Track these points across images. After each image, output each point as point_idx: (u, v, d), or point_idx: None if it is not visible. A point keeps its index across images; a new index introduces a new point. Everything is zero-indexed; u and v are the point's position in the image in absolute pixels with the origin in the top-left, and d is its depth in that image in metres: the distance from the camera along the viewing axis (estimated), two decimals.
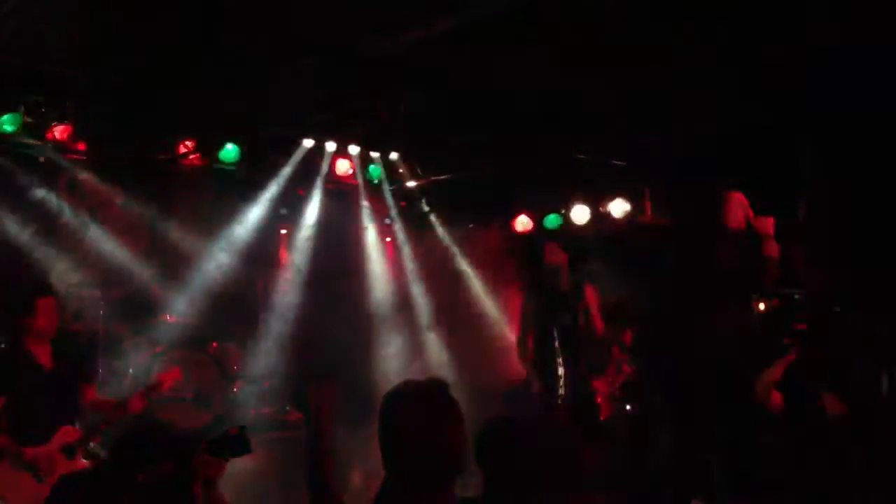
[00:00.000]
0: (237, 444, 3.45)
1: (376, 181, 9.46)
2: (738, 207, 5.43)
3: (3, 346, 5.69)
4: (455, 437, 2.50)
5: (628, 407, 7.81)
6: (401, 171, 9.47)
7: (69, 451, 5.28)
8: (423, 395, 2.54)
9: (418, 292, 9.96)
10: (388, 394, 2.60)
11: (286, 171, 8.81)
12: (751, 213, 5.43)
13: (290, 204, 9.20)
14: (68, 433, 5.33)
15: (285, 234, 9.58)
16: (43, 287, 5.80)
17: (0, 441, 5.14)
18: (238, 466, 5.94)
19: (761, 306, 7.21)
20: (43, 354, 5.46)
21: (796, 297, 7.05)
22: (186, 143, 8.15)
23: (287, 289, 9.06)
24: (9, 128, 7.11)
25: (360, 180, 9.39)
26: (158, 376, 5.65)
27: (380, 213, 9.83)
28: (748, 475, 3.38)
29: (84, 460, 5.21)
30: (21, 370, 5.35)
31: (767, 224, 5.34)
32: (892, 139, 6.26)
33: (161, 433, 3.92)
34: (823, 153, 6.76)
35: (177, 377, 5.68)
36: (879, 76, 6.09)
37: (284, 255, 9.56)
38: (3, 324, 5.72)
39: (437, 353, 9.55)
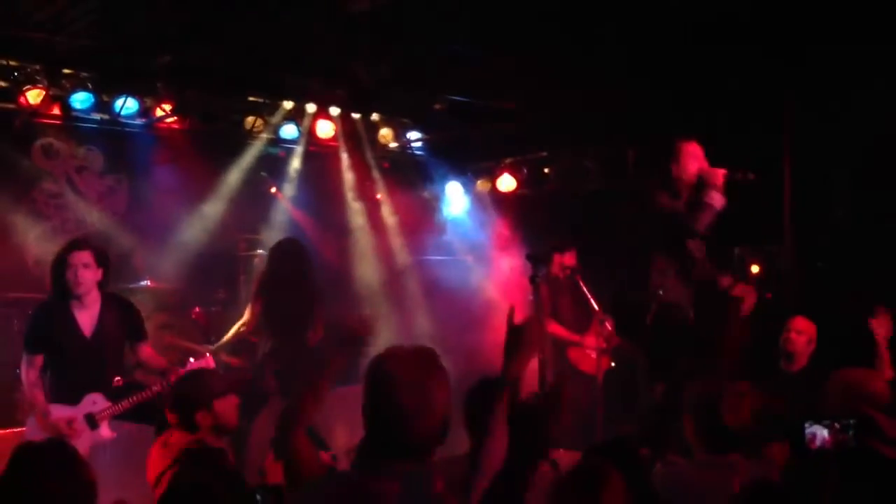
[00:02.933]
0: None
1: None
2: (691, 158, 5.40)
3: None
4: (442, 403, 2.48)
5: (613, 364, 7.82)
6: (383, 132, 9.39)
7: (91, 421, 5.15)
8: (412, 359, 2.52)
9: (406, 261, 9.80)
10: (376, 357, 2.56)
11: (265, 134, 8.72)
12: (705, 165, 5.38)
13: (269, 167, 9.11)
14: (95, 401, 5.19)
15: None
16: (78, 242, 5.35)
17: (35, 396, 5.11)
18: None
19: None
20: (83, 316, 5.24)
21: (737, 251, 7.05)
22: (163, 105, 8.02)
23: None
24: None
25: (341, 143, 9.28)
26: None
27: (362, 176, 9.69)
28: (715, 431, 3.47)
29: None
30: (62, 333, 5.19)
31: (717, 175, 5.30)
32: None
33: None
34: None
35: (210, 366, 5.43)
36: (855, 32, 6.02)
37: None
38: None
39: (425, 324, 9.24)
